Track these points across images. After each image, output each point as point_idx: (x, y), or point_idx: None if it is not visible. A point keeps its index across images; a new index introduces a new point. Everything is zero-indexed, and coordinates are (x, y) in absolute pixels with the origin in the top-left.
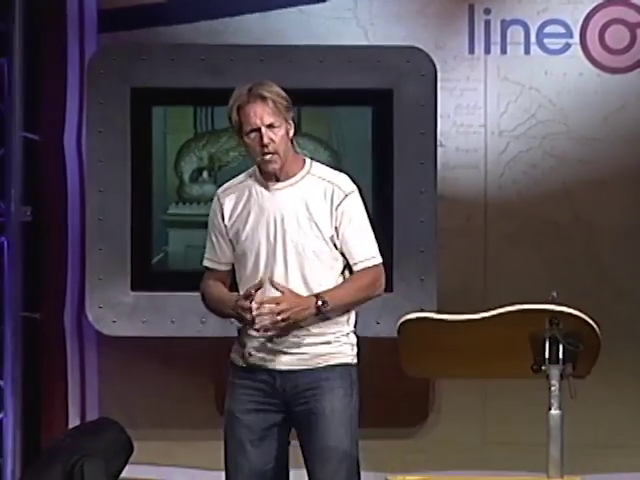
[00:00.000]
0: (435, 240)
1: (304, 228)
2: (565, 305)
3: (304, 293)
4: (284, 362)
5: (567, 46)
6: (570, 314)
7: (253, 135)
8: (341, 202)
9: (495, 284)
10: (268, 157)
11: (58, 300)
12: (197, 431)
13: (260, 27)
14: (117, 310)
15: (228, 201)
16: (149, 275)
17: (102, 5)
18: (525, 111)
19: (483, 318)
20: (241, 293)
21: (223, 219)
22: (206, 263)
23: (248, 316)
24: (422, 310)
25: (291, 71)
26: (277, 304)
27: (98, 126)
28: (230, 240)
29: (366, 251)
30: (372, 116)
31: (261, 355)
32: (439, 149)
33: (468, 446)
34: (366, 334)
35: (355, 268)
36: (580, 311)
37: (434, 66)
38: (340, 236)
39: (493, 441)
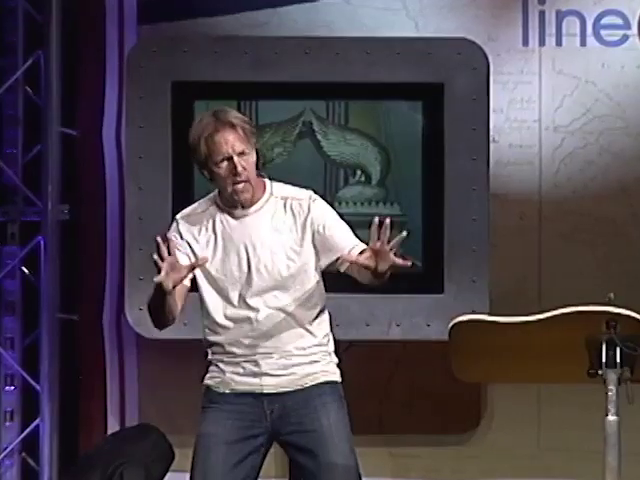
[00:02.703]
0: (487, 239)
1: (278, 254)
2: (623, 307)
3: (282, 318)
4: (272, 385)
5: (625, 38)
6: (628, 316)
7: (224, 164)
8: (309, 209)
9: (550, 285)
10: (241, 186)
11: (96, 301)
12: None
13: (305, 18)
14: None
15: (190, 228)
16: None
17: None
18: (581, 105)
19: (537, 320)
20: (211, 323)
21: (183, 238)
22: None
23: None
24: (474, 312)
25: (338, 64)
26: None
27: (138, 121)
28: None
29: (354, 239)
30: (422, 111)
31: (245, 380)
32: (492, 145)
33: (522, 453)
34: (416, 337)
35: (355, 251)
36: (638, 313)
37: (487, 59)
38: (323, 237)
39: (548, 448)
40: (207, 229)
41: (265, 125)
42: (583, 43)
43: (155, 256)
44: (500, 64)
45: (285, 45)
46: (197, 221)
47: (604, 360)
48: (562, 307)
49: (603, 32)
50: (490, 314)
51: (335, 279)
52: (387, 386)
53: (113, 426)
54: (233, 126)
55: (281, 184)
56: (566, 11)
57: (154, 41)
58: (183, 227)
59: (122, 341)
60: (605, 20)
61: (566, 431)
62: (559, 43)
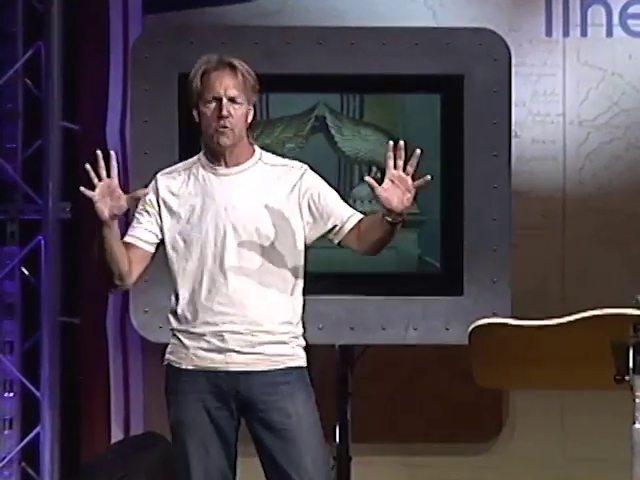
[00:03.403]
0: (509, 239)
1: (257, 215)
2: None
3: (254, 284)
4: (237, 362)
5: None
6: None
7: (212, 105)
8: (301, 178)
9: (574, 286)
10: (222, 130)
11: (99, 304)
12: (247, 447)
13: (319, 7)
14: (164, 315)
15: (169, 185)
16: None
17: None
18: (607, 99)
19: (561, 324)
20: (180, 288)
21: (158, 202)
22: (125, 238)
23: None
24: (495, 315)
25: (352, 55)
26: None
27: (143, 115)
28: (161, 226)
29: (351, 208)
30: (441, 104)
31: (211, 356)
32: (513, 140)
33: (546, 463)
34: (434, 341)
35: (354, 219)
36: None
37: (508, 50)
38: (318, 205)
39: (573, 458)
40: (187, 185)
41: (276, 119)
42: (609, 33)
43: (88, 166)
44: (522, 55)
45: (297, 35)
46: (178, 177)
47: (631, 365)
48: (587, 310)
49: (630, 22)
50: (512, 317)
51: (350, 281)
52: (403, 393)
53: (117, 435)
54: (233, 69)
55: (272, 154)
56: (592, 0)
57: (160, 31)
58: (162, 184)
59: (126, 345)
60: (632, 9)
61: (592, 440)
62: (584, 33)
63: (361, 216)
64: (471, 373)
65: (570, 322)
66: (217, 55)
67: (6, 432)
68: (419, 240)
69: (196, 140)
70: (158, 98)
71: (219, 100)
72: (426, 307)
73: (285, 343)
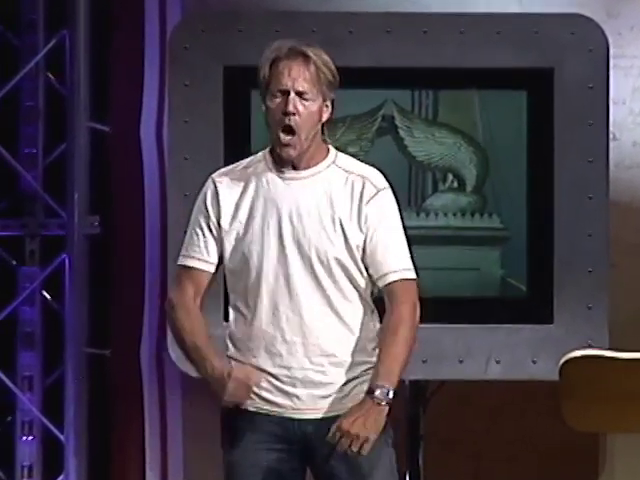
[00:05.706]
0: (606, 258)
1: (327, 229)
2: None
3: (331, 305)
4: (304, 409)
5: None
6: None
7: (279, 99)
8: (372, 198)
9: None
10: (287, 139)
11: (132, 333)
12: None
13: None
14: None
15: (227, 189)
16: None
17: None
18: None
19: None
20: (240, 309)
21: (218, 210)
22: (183, 261)
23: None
24: (590, 346)
25: (425, 46)
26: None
27: (183, 114)
28: (221, 238)
29: (400, 260)
30: (527, 102)
31: (274, 399)
32: (612, 143)
33: None
34: (520, 376)
35: (385, 280)
36: None
37: (605, 39)
38: (368, 239)
39: None
40: (248, 189)
41: (338, 119)
42: None
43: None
44: (622, 46)
45: (362, 22)
46: (240, 181)
47: None
48: None
49: None
50: (609, 349)
51: (422, 306)
52: (484, 435)
53: None
54: (306, 59)
55: (349, 157)
56: None
57: (202, 18)
58: (222, 190)
59: (164, 382)
60: None
61: None
62: None
63: (397, 277)
64: (562, 413)
65: None
66: (291, 41)
67: None
68: (502, 259)
69: (244, 143)
70: (200, 95)
71: (286, 93)
72: (510, 336)
73: (357, 378)
